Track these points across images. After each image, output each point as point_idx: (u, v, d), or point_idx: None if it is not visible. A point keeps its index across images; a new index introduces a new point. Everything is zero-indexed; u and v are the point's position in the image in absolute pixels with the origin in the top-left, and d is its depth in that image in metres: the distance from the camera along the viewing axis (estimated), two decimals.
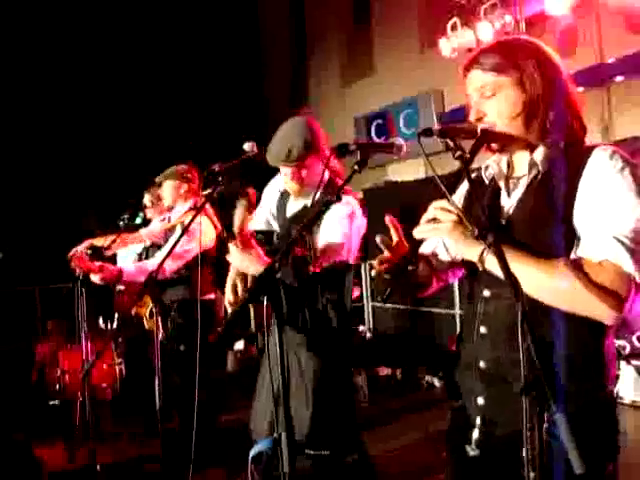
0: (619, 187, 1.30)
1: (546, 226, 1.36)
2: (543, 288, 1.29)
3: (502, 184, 1.51)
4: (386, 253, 1.40)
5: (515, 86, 1.42)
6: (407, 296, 1.59)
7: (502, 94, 1.43)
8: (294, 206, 2.44)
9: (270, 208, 2.59)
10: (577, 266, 1.28)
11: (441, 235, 1.36)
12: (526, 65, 1.41)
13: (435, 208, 1.34)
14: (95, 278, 3.56)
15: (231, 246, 2.24)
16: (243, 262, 2.19)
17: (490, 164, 1.54)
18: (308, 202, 2.38)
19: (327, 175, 2.35)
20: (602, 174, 1.32)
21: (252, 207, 2.47)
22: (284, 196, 2.52)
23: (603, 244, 1.28)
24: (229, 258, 2.25)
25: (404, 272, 1.34)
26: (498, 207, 1.49)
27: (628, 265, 1.25)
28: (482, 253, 1.32)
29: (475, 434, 1.47)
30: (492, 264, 1.29)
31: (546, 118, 1.42)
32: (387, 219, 1.45)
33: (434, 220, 1.33)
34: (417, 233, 1.35)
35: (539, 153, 1.42)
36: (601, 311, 1.26)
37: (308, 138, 2.32)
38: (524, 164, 1.46)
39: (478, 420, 1.47)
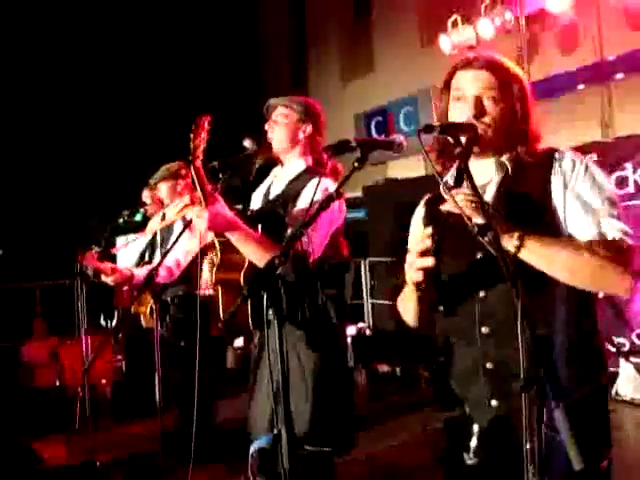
0: (591, 180, 1.43)
1: (526, 224, 1.38)
2: (578, 271, 1.35)
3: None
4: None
5: (513, 97, 1.50)
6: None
7: (501, 100, 1.48)
8: (278, 188, 2.42)
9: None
10: (590, 246, 1.36)
11: (480, 216, 1.30)
12: (520, 82, 1.52)
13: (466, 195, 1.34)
14: (107, 279, 3.57)
15: (194, 209, 2.15)
16: (210, 217, 2.06)
17: (447, 179, 1.56)
18: (291, 177, 2.38)
19: (310, 161, 2.38)
20: (573, 173, 1.44)
21: (206, 132, 2.33)
22: (271, 184, 2.51)
23: (603, 226, 1.38)
24: (195, 222, 2.13)
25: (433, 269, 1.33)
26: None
27: (627, 236, 1.36)
28: (520, 241, 1.33)
29: (474, 442, 1.47)
30: (530, 252, 1.33)
31: (524, 129, 1.51)
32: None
33: (471, 202, 1.32)
34: (454, 206, 1.31)
35: (505, 157, 1.51)
36: (621, 285, 1.34)
37: (315, 113, 2.39)
38: (486, 171, 1.52)
39: (476, 427, 1.47)
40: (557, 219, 1.42)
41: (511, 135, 1.50)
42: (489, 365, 1.45)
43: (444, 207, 1.35)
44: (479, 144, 1.45)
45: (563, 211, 1.42)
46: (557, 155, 1.48)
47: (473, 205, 1.30)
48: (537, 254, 1.33)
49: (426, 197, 1.69)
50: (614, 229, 1.37)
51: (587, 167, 1.44)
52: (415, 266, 1.35)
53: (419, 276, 1.34)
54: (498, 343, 1.44)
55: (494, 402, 1.45)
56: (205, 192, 2.19)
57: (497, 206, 1.46)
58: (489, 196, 1.49)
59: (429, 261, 1.32)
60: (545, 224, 1.41)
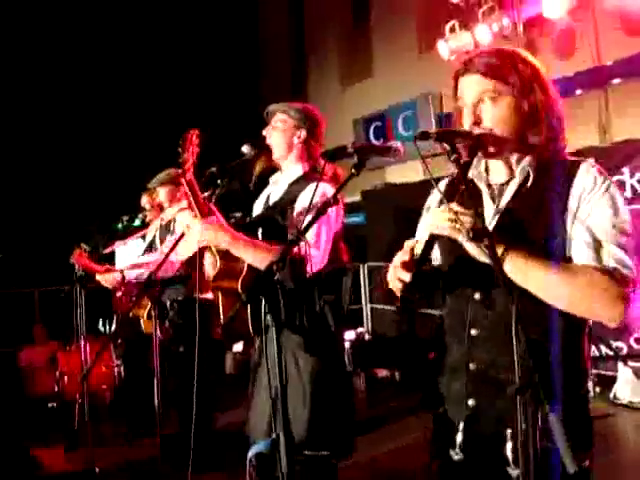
0: (608, 203, 1.37)
1: (536, 234, 1.38)
2: (562, 295, 1.32)
3: (483, 188, 1.53)
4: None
5: (515, 94, 1.44)
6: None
7: (502, 101, 1.44)
8: (277, 194, 2.43)
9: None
10: (588, 272, 1.33)
11: (459, 235, 1.33)
12: (525, 74, 1.45)
13: (454, 211, 1.34)
14: (100, 278, 3.59)
15: (187, 216, 2.17)
16: (206, 231, 2.11)
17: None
18: (289, 182, 2.38)
19: (307, 166, 2.38)
20: (592, 191, 1.38)
21: (195, 146, 2.35)
22: (271, 191, 2.52)
23: (604, 252, 1.34)
24: (190, 233, 2.16)
25: (419, 273, 1.35)
26: (482, 211, 1.49)
27: (628, 267, 1.32)
28: (502, 256, 1.32)
29: (459, 438, 1.48)
30: (513, 266, 1.31)
31: (540, 127, 1.45)
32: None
33: (454, 221, 1.33)
34: (432, 225, 1.35)
35: (527, 161, 1.46)
36: (609, 314, 1.31)
37: (312, 119, 2.39)
38: (507, 171, 1.49)
39: (462, 424, 1.48)
40: (565, 234, 1.39)
41: (526, 134, 1.45)
42: (472, 366, 1.46)
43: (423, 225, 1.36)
44: (485, 149, 1.44)
45: (571, 227, 1.38)
46: (581, 168, 1.42)
47: (454, 224, 1.32)
48: (518, 271, 1.31)
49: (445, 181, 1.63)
50: (615, 258, 1.33)
51: (607, 188, 1.38)
52: (396, 275, 1.37)
53: (398, 285, 1.37)
54: (485, 346, 1.45)
55: (470, 401, 1.46)
56: (198, 203, 2.20)
57: (510, 211, 1.45)
58: (506, 198, 1.47)
59: (407, 277, 1.34)
60: (552, 237, 1.38)
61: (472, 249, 1.35)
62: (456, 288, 1.53)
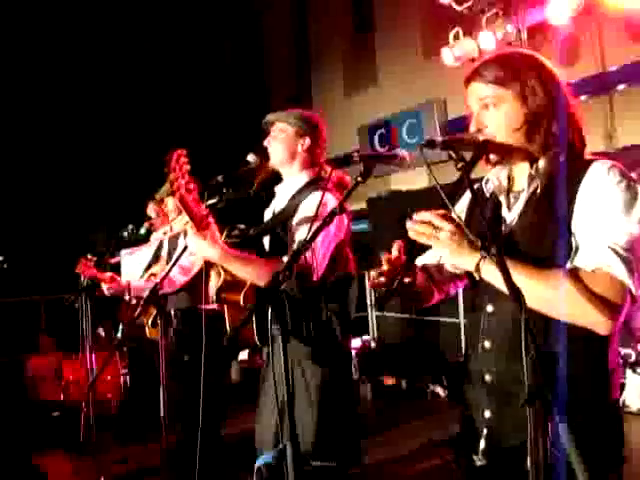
0: (615, 200, 1.31)
1: (546, 240, 1.37)
2: (540, 298, 1.28)
3: (502, 198, 1.52)
4: (384, 266, 1.40)
5: (516, 99, 1.42)
6: (408, 307, 1.60)
7: (503, 106, 1.43)
8: (281, 203, 2.42)
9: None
10: (572, 275, 1.28)
11: (438, 243, 1.33)
12: (528, 78, 1.42)
13: (435, 215, 1.34)
14: (104, 287, 3.60)
15: (188, 228, 2.19)
16: (198, 245, 2.12)
17: (490, 178, 1.55)
18: (293, 192, 2.36)
19: (312, 174, 2.37)
20: (599, 187, 1.33)
21: (181, 165, 2.28)
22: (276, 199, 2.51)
23: (597, 253, 1.28)
24: (187, 241, 2.19)
25: (399, 282, 1.35)
26: (499, 221, 1.49)
27: (622, 274, 1.26)
28: (479, 263, 1.31)
29: (482, 444, 1.47)
30: (488, 274, 1.30)
31: (547, 131, 1.42)
32: (395, 245, 1.44)
33: (434, 228, 1.32)
34: (411, 229, 1.34)
35: (539, 167, 1.43)
36: (595, 320, 1.26)
37: (313, 125, 2.38)
38: (524, 178, 1.47)
39: (485, 431, 1.47)
40: (571, 240, 1.34)
41: (539, 138, 1.41)
42: (487, 377, 1.47)
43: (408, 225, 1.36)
44: (490, 155, 1.43)
45: (576, 231, 1.33)
46: (592, 167, 1.35)
47: (431, 231, 1.32)
48: (493, 277, 1.28)
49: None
50: (617, 262, 1.26)
51: (620, 182, 1.30)
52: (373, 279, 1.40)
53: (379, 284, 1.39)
54: (496, 359, 1.45)
55: (487, 413, 1.46)
56: (194, 219, 2.17)
57: (518, 220, 1.44)
58: (517, 208, 1.45)
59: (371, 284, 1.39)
60: (558, 245, 1.34)
61: (449, 255, 1.36)
62: (471, 299, 1.53)
